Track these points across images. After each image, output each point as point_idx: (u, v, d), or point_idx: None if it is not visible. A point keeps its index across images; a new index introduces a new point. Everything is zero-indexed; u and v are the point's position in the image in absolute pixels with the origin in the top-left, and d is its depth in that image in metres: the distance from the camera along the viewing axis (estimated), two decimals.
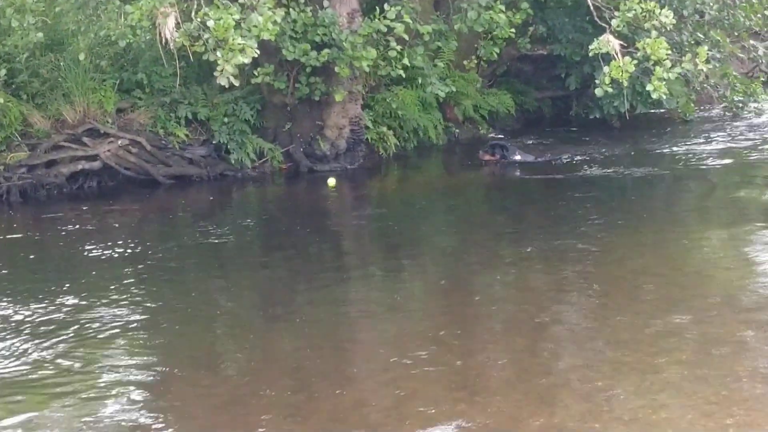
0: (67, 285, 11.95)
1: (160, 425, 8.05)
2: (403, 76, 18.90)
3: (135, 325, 10.48)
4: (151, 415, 8.26)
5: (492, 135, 21.92)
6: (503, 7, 18.86)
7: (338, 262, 13.32)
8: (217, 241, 14.44)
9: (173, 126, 18.10)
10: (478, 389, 8.58)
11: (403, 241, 14.10)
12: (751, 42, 24.15)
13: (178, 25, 15.52)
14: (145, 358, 9.67)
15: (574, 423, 7.75)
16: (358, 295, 11.74)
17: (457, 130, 21.71)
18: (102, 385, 8.89)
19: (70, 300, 11.28)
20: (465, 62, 21.82)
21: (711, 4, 21.12)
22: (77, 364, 9.39)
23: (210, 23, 14.88)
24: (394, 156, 19.80)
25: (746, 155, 19.29)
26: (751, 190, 16.72)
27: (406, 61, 18.36)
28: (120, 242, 13.99)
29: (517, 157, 19.18)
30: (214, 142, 18.35)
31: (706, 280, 11.45)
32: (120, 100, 18.26)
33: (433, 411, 8.04)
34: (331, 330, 10.35)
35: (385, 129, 19.76)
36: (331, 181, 17.80)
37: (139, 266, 12.83)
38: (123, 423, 8.10)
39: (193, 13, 15.20)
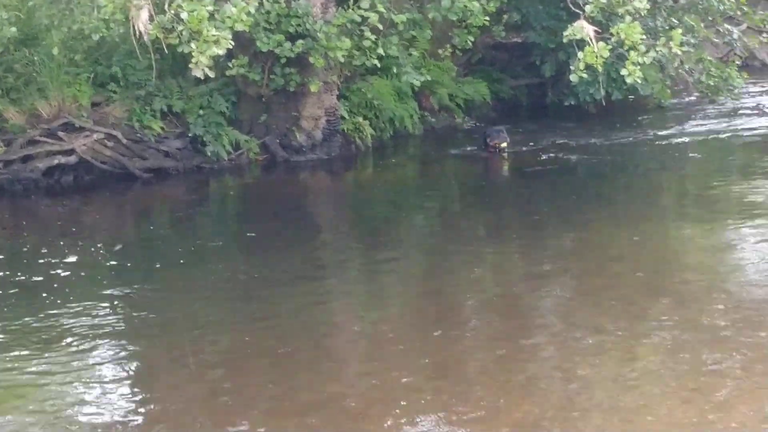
0: (40, 280, 11.87)
1: (140, 420, 8.01)
2: (378, 65, 18.78)
3: (111, 322, 10.41)
4: (131, 410, 8.23)
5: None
6: None
7: (316, 253, 13.27)
8: (193, 234, 14.39)
9: (148, 119, 17.95)
10: (458, 379, 8.59)
11: (380, 232, 14.07)
12: (726, 26, 24.15)
13: (151, 18, 15.45)
14: (122, 354, 9.60)
15: (554, 411, 7.76)
16: (336, 286, 11.72)
17: (433, 119, 21.64)
18: (78, 383, 8.83)
19: (43, 296, 11.18)
20: (440, 51, 21.71)
21: None
22: (52, 362, 9.29)
23: (184, 15, 14.79)
24: (370, 146, 19.72)
25: (722, 141, 19.36)
26: (727, 176, 16.77)
27: (380, 50, 18.25)
28: (95, 237, 13.94)
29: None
30: (189, 134, 18.20)
31: (685, 267, 11.49)
32: (95, 93, 18.06)
33: (415, 401, 8.04)
34: (311, 321, 10.31)
35: (360, 119, 19.68)
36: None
37: (114, 261, 12.77)
38: (102, 419, 8.04)
39: (166, 5, 15.10)
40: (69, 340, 9.80)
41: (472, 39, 20.31)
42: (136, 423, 8.00)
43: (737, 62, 24.15)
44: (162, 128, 18.08)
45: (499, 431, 7.46)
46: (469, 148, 19.47)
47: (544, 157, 18.37)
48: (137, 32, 15.71)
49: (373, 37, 17.86)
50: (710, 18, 22.54)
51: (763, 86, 25.55)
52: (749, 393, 7.81)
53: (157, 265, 12.71)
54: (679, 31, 17.09)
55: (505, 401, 7.96)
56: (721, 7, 21.77)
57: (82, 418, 8.07)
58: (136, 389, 8.77)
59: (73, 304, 10.84)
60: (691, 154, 18.48)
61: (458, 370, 8.83)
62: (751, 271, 10.88)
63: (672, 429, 7.29)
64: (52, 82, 17.43)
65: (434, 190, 17.35)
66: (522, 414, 7.72)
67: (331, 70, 18.35)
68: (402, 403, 8.02)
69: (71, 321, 10.30)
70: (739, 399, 7.71)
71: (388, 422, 7.71)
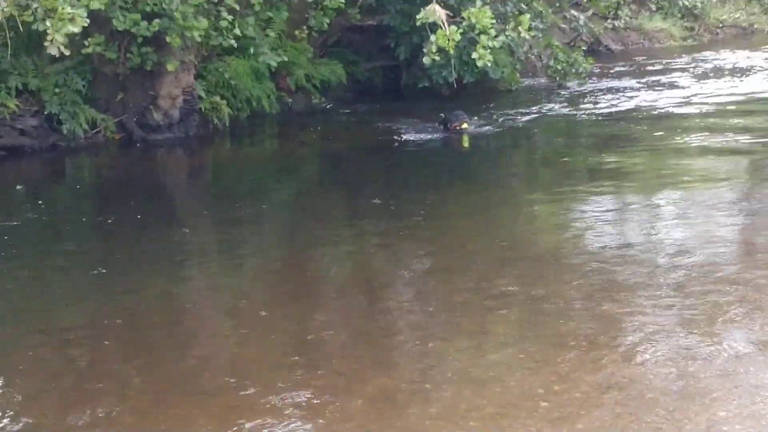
0: None
1: None
2: (235, 46, 18.73)
3: None
4: None
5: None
6: None
7: (174, 231, 13.10)
8: (48, 213, 14.13)
9: (3, 97, 17.52)
10: (315, 353, 8.63)
11: (238, 209, 13.98)
12: (573, 12, 24.68)
13: None
14: None
15: (407, 384, 7.85)
16: (196, 263, 11.64)
17: (290, 100, 21.61)
18: None
19: None
20: (296, 32, 21.65)
21: None
22: None
23: None
24: (228, 125, 19.59)
25: (567, 122, 19.74)
26: (572, 157, 17.11)
27: (237, 31, 18.21)
28: None
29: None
30: (45, 112, 17.87)
31: (533, 243, 11.69)
32: None
33: (273, 375, 8.05)
34: (171, 299, 10.25)
35: (218, 99, 19.55)
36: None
37: None
38: None
39: None
40: None
41: (328, 21, 20.41)
42: None
43: (583, 47, 24.71)
44: (17, 106, 17.69)
45: (355, 403, 7.52)
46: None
47: (396, 138, 18.49)
48: None
49: (229, 18, 17.83)
50: (558, 4, 23.02)
51: (607, 70, 26.06)
52: (592, 364, 8.01)
53: (13, 241, 12.44)
54: (528, 16, 17.46)
55: (362, 374, 8.03)
56: None
57: None
58: None
59: None
60: (537, 136, 18.80)
61: (316, 345, 8.87)
62: (595, 248, 11.12)
63: (520, 399, 7.43)
64: None
65: (290, 168, 17.35)
66: (377, 386, 7.80)
67: (188, 49, 18.20)
68: (261, 377, 8.03)
69: None
70: (582, 369, 7.90)
71: (247, 395, 7.71)
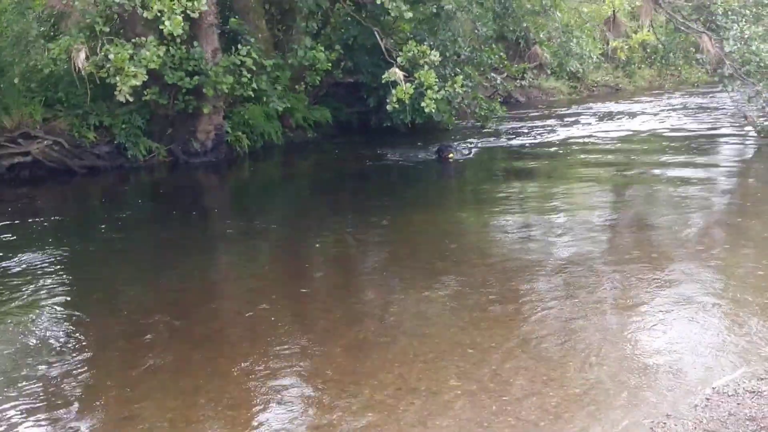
0: None
1: (68, 346, 7.84)
2: (252, 95, 18.74)
3: (51, 273, 10.15)
4: (56, 346, 8.03)
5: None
6: (323, 48, 18.97)
7: (208, 226, 13.12)
8: (118, 211, 14.07)
9: (85, 130, 17.43)
10: (306, 316, 8.71)
11: (255, 212, 13.98)
12: (492, 74, 24.77)
13: (87, 57, 15.18)
14: (57, 300, 9.35)
15: (372, 336, 7.94)
16: (222, 252, 11.63)
17: (292, 134, 21.52)
18: (17, 322, 8.58)
19: None
20: (296, 86, 21.58)
21: (465, 47, 21.54)
22: None
23: (111, 56, 14.57)
24: (247, 153, 19.53)
25: (489, 154, 19.77)
26: (492, 177, 17.17)
27: (254, 85, 18.26)
28: (43, 214, 13.53)
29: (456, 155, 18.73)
30: (115, 142, 17.78)
31: (464, 238, 11.73)
32: (45, 111, 17.47)
33: (275, 335, 8.10)
34: (203, 277, 10.25)
35: (240, 133, 19.46)
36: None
37: (56, 230, 12.42)
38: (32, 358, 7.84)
39: (98, 49, 14.86)
40: (15, 282, 9.54)
41: (319, 78, 20.38)
42: (62, 348, 7.82)
43: (499, 99, 24.75)
44: (95, 137, 17.61)
45: (335, 350, 7.58)
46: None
47: (368, 162, 18.52)
48: (77, 68, 15.38)
49: (248, 75, 17.84)
50: (482, 69, 23.07)
51: (516, 116, 26.10)
52: (503, 324, 8.08)
53: (91, 233, 12.41)
54: (461, 77, 17.53)
55: (340, 330, 8.09)
56: (489, 61, 22.33)
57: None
58: (64, 326, 8.56)
59: (19, 265, 10.55)
60: (466, 166, 18.79)
61: (305, 309, 8.91)
62: (506, 247, 11.19)
63: (453, 347, 7.51)
64: (14, 103, 16.83)
65: (292, 183, 17.34)
66: (351, 338, 7.87)
67: (219, 98, 18.17)
68: (267, 333, 8.08)
69: (16, 269, 10.04)
70: (497, 328, 7.97)
71: (257, 346, 7.76)
